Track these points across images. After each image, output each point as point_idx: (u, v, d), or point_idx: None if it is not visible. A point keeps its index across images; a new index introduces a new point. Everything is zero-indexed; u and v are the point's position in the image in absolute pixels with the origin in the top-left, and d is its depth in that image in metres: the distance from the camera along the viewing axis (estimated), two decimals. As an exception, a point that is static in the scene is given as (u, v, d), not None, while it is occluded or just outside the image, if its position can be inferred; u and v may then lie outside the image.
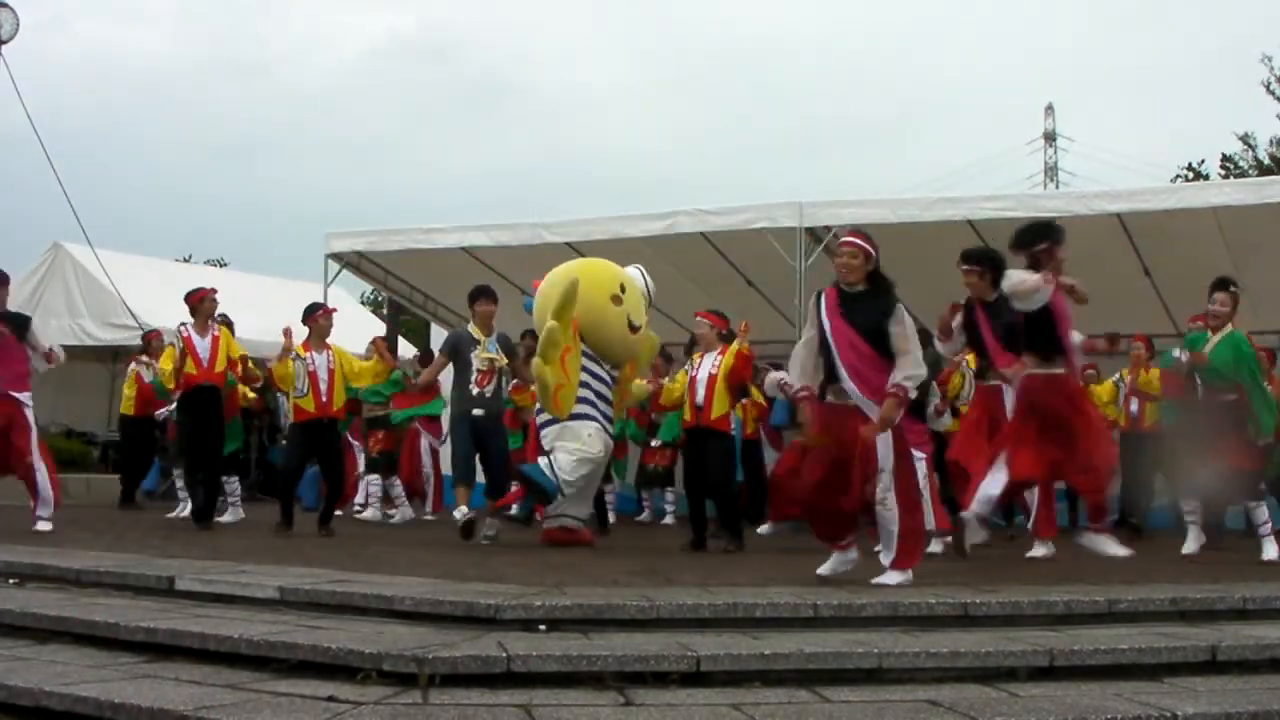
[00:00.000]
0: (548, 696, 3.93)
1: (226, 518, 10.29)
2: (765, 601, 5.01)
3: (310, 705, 3.75)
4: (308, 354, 9.17)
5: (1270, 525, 7.85)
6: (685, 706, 3.86)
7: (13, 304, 17.52)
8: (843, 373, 5.90)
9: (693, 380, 8.38)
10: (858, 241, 6.07)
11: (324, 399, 9.14)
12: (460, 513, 8.46)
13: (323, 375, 9.13)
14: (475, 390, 8.63)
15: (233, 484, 10.62)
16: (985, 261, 7.48)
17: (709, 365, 8.33)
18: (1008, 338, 7.24)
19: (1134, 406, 10.61)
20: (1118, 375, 11.14)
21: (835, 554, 6.20)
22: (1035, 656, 4.40)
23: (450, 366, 9.13)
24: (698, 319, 8.60)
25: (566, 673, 4.11)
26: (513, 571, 6.15)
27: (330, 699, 3.83)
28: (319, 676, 4.11)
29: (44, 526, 8.33)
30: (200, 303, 9.58)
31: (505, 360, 8.78)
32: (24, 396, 8.52)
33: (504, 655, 4.12)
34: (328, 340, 9.40)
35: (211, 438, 9.56)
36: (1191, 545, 8.06)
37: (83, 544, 7.29)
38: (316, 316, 9.38)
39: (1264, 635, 4.81)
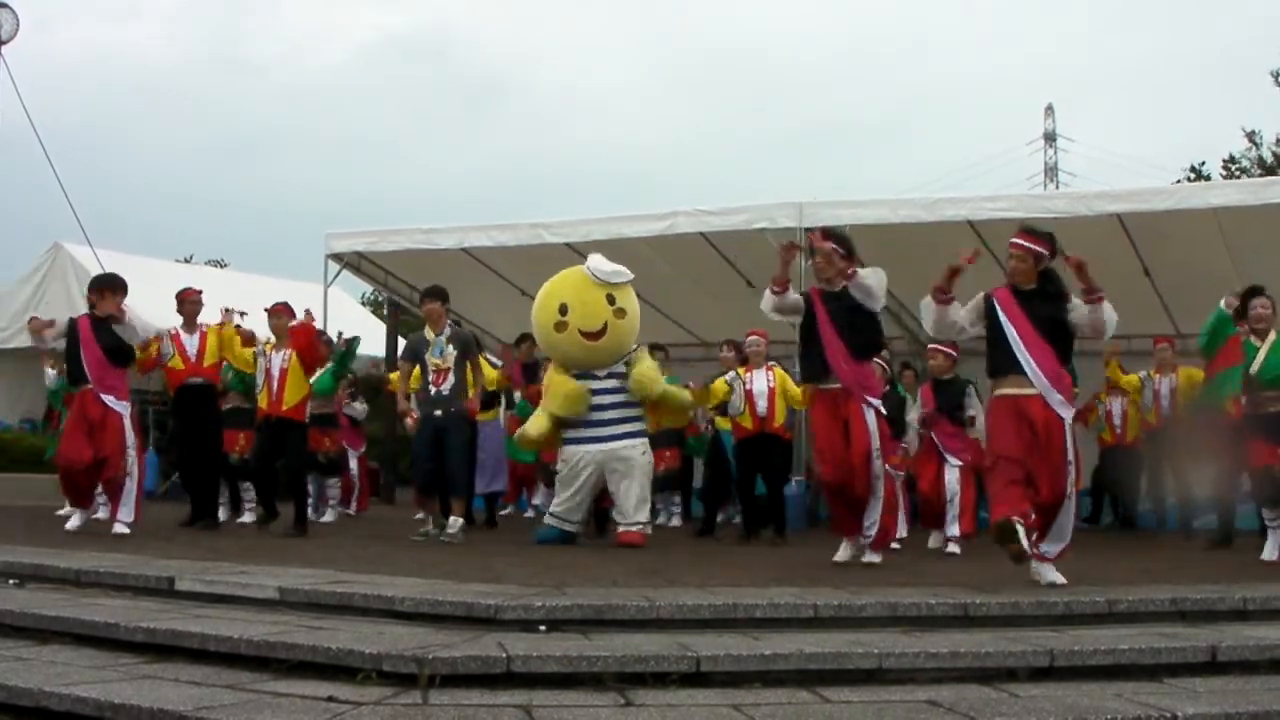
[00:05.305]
0: (548, 697, 3.93)
1: (246, 519, 10.26)
2: (765, 602, 5.01)
3: (310, 705, 3.75)
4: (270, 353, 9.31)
5: None
6: (685, 707, 3.86)
7: (13, 304, 17.50)
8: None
9: (750, 393, 9.16)
10: (1025, 244, 6.22)
11: (274, 397, 9.19)
12: (426, 531, 8.77)
13: (275, 373, 9.19)
14: (433, 390, 8.76)
15: (248, 488, 10.56)
16: (844, 242, 7.12)
17: (764, 379, 9.19)
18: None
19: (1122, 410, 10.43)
20: (1145, 373, 10.80)
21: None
22: (1035, 657, 4.39)
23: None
24: (753, 337, 9.25)
25: (566, 673, 4.11)
26: (513, 572, 6.15)
27: (330, 699, 3.83)
28: (319, 677, 4.11)
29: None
30: (182, 304, 9.67)
31: (450, 360, 8.74)
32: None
33: (504, 656, 4.12)
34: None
35: (206, 437, 9.57)
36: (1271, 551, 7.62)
37: (82, 544, 7.29)
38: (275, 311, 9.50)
39: (1264, 636, 4.80)
